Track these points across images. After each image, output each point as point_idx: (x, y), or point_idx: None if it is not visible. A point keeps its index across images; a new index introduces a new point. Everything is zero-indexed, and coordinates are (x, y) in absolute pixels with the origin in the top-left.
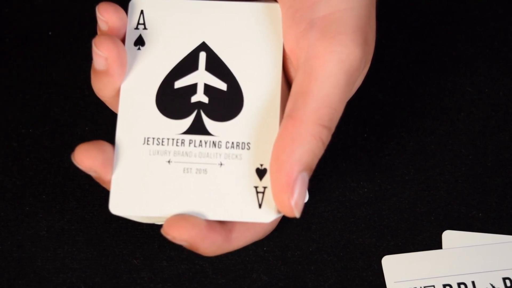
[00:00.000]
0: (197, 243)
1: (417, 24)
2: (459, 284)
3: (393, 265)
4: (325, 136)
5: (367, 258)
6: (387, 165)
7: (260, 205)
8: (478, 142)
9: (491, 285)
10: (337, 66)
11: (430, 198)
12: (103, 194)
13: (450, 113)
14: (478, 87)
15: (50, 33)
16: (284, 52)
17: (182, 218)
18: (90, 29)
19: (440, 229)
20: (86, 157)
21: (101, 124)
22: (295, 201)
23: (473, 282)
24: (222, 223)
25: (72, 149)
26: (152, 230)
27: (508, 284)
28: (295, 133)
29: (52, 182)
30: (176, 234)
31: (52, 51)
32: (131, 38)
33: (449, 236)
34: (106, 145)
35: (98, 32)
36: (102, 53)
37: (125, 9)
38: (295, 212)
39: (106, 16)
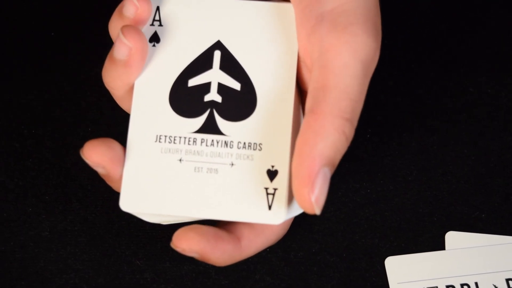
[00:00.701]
0: (207, 253)
1: (418, 24)
2: (462, 285)
3: (396, 266)
4: (348, 130)
5: (370, 259)
6: (389, 166)
7: (269, 207)
8: (480, 142)
9: (494, 286)
10: (352, 56)
11: (433, 199)
12: (106, 194)
13: (452, 114)
14: (480, 87)
15: (52, 33)
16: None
17: (190, 229)
18: (92, 29)
19: (443, 230)
20: (95, 153)
21: (103, 124)
22: (316, 196)
23: (476, 283)
24: (229, 231)
25: (74, 149)
26: (155, 231)
27: (511, 285)
28: (317, 127)
29: (54, 182)
30: (185, 246)
31: (54, 52)
32: (146, 34)
33: (452, 237)
34: (115, 143)
35: (114, 18)
36: (128, 42)
37: None
38: (315, 208)
39: (140, 1)
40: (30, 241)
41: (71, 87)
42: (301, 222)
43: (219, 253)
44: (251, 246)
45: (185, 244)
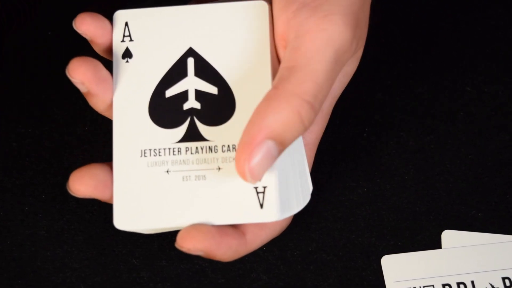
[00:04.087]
0: (213, 251)
1: (416, 23)
2: (458, 284)
3: (392, 265)
4: (305, 112)
5: (366, 257)
6: (386, 165)
7: (261, 205)
8: (477, 141)
9: (491, 284)
10: (326, 43)
11: (430, 198)
12: None
13: (450, 113)
14: (477, 86)
15: (49, 32)
16: (274, 42)
17: (193, 228)
18: None
19: (440, 228)
20: (80, 185)
21: (101, 124)
22: (251, 167)
23: (472, 282)
24: (234, 226)
25: (72, 149)
26: None
27: (508, 283)
28: (273, 101)
29: (51, 182)
30: (190, 246)
31: (51, 51)
32: (118, 51)
33: (448, 236)
34: (97, 168)
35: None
36: (76, 80)
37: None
38: (248, 177)
39: (83, 28)
40: (27, 240)
41: (69, 87)
42: (298, 220)
43: (225, 249)
44: (256, 239)
45: (190, 243)
